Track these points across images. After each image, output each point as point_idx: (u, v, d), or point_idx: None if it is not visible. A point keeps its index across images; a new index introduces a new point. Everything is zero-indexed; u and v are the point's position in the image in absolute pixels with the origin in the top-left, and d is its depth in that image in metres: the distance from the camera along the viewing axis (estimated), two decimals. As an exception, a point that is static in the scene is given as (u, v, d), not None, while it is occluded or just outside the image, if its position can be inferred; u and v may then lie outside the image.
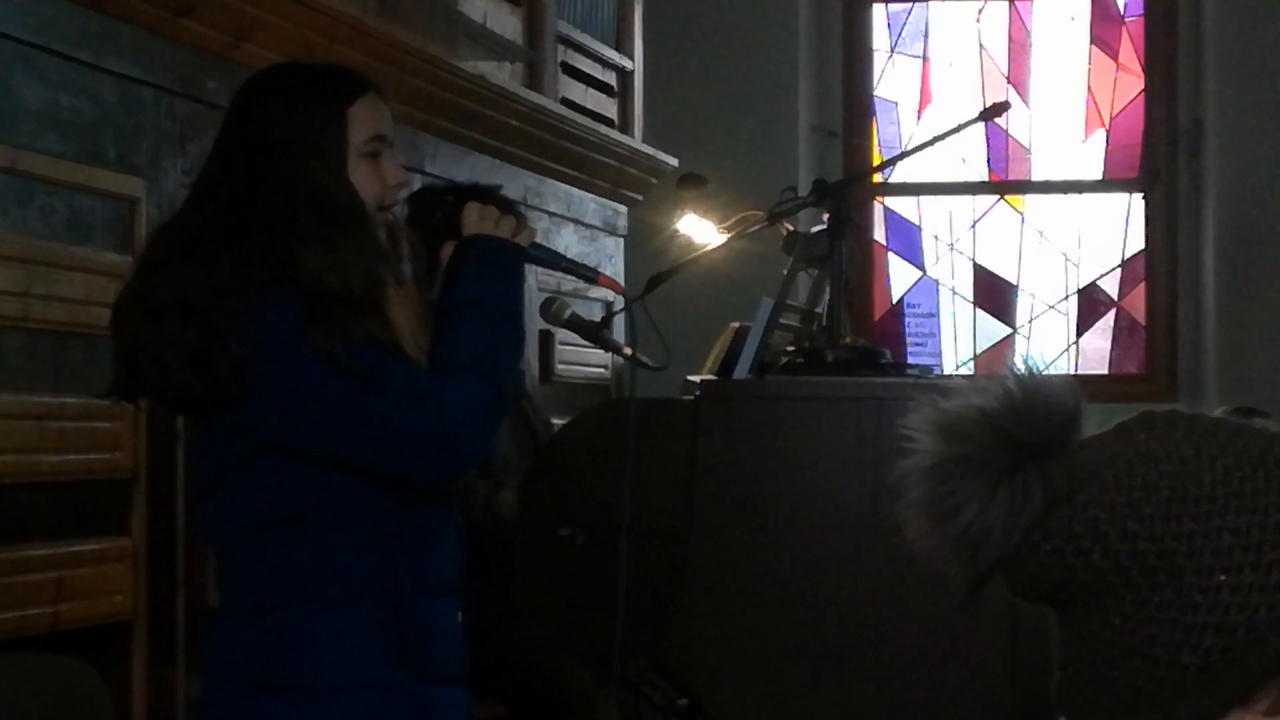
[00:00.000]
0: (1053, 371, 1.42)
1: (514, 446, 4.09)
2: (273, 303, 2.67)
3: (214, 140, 2.88)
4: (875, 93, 7.90)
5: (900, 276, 7.92)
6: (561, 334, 5.16)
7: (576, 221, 5.97)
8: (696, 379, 3.99)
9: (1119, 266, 7.83)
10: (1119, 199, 7.83)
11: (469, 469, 2.86)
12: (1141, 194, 7.78)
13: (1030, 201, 7.88)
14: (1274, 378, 7.17)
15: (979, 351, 7.86)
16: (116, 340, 2.76)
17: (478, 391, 2.73)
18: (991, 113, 4.39)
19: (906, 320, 7.89)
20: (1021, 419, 1.37)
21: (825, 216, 3.97)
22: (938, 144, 4.46)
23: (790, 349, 3.98)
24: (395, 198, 2.90)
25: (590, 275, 3.14)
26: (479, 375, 2.74)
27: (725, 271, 4.76)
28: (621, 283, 5.65)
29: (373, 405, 2.67)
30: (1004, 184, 7.88)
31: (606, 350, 4.34)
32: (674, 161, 6.37)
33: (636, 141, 6.28)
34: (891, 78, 7.92)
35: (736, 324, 4.32)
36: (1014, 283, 7.86)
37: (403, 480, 2.75)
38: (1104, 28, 7.84)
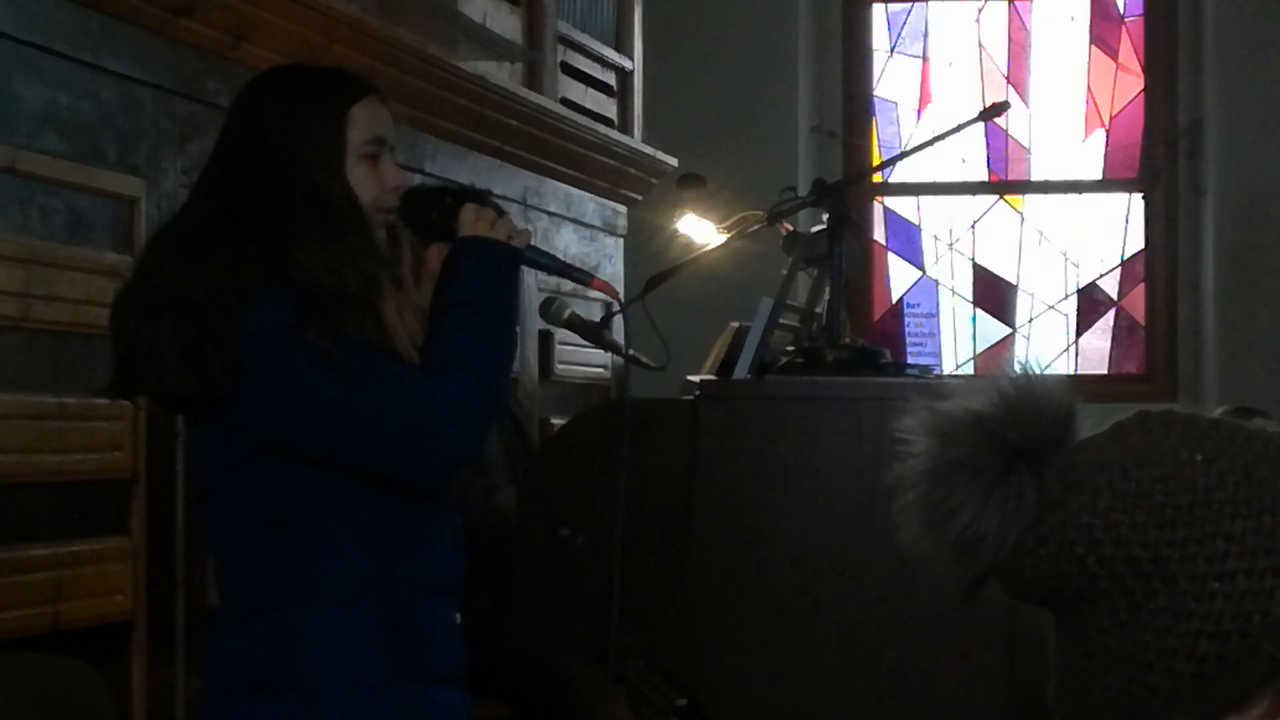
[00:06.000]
0: (1049, 372, 1.41)
1: (501, 449, 4.09)
2: (267, 301, 2.68)
3: (215, 141, 2.89)
4: (875, 93, 7.90)
5: (900, 276, 7.92)
6: (561, 334, 5.16)
7: (576, 221, 5.98)
8: (696, 379, 3.99)
9: (1119, 266, 7.83)
10: (1119, 199, 7.83)
11: (460, 468, 2.86)
12: (1141, 194, 7.78)
13: (1030, 201, 7.88)
14: (1274, 378, 7.17)
15: (979, 351, 7.87)
16: (114, 338, 2.77)
17: (470, 391, 2.74)
18: (991, 113, 4.39)
19: (906, 320, 7.89)
20: (1015, 422, 1.36)
21: (825, 216, 3.98)
22: (938, 144, 4.46)
23: (790, 349, 3.98)
24: (393, 200, 2.90)
25: (584, 279, 3.14)
26: (471, 375, 2.75)
27: (725, 271, 4.76)
28: (620, 283, 5.66)
29: (364, 404, 2.68)
30: (1004, 184, 7.88)
31: (606, 350, 4.34)
32: (674, 161, 6.37)
33: (636, 141, 6.28)
34: (891, 78, 7.92)
35: (736, 324, 4.32)
36: (1014, 283, 7.86)
37: (396, 480, 2.75)
38: (1104, 28, 7.84)
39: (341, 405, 2.68)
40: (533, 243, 2.98)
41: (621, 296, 3.39)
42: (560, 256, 3.30)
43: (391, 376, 2.70)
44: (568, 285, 5.37)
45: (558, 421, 4.74)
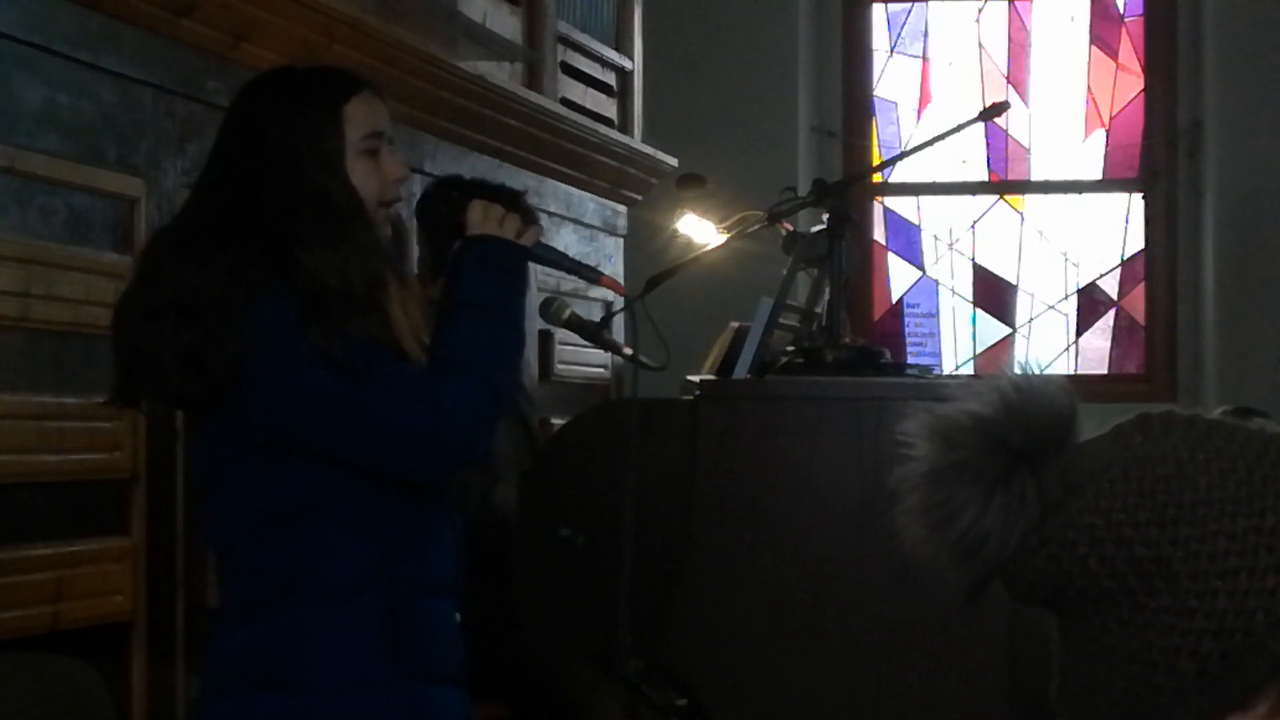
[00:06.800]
0: (1049, 374, 1.41)
1: (510, 445, 4.09)
2: (270, 301, 2.67)
3: (212, 145, 2.89)
4: (875, 93, 7.90)
5: (900, 276, 7.92)
6: (561, 334, 5.16)
7: (576, 221, 5.97)
8: (696, 379, 3.99)
9: (1119, 266, 7.83)
10: (1119, 199, 7.83)
11: (462, 468, 2.86)
12: (1141, 194, 7.78)
13: (1030, 201, 7.88)
14: (1274, 378, 7.17)
15: (979, 351, 7.86)
16: (116, 343, 2.77)
17: (475, 390, 2.73)
18: (991, 113, 4.39)
19: (906, 320, 7.89)
20: (1016, 424, 1.36)
21: (825, 216, 3.98)
22: (938, 144, 4.47)
23: (790, 349, 3.98)
24: (397, 192, 2.90)
25: (592, 276, 3.15)
26: (477, 374, 2.74)
27: (725, 271, 4.76)
28: (621, 283, 5.66)
29: (368, 402, 2.68)
30: (1004, 184, 7.87)
31: (606, 350, 4.34)
32: (674, 161, 6.37)
33: (636, 141, 6.28)
34: (891, 77, 7.91)
35: (736, 324, 4.32)
36: (1014, 283, 7.86)
37: (398, 478, 2.75)
38: (1104, 28, 7.84)
39: (345, 403, 2.68)
40: (540, 240, 2.98)
41: (626, 295, 3.41)
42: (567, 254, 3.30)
43: (396, 375, 2.70)
44: (568, 285, 5.38)
45: (558, 421, 4.74)
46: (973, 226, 7.88)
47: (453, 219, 2.92)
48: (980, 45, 7.88)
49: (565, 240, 5.83)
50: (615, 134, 6.10)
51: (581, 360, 5.83)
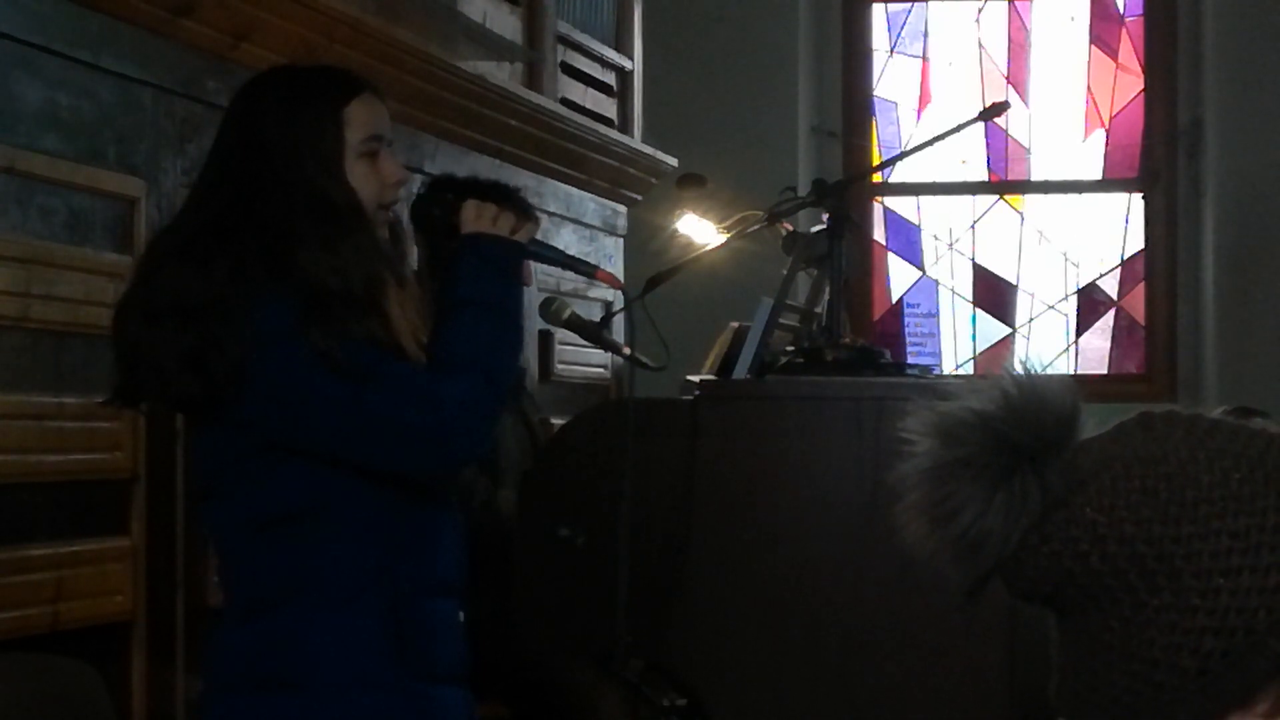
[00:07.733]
0: (1051, 372, 1.41)
1: (514, 445, 4.09)
2: (270, 303, 2.67)
3: (211, 144, 2.89)
4: (875, 93, 7.90)
5: (900, 276, 7.92)
6: (561, 334, 5.16)
7: (576, 221, 5.98)
8: (696, 379, 3.99)
9: (1118, 266, 7.83)
10: (1118, 199, 7.83)
11: (466, 465, 2.86)
12: (1141, 194, 7.78)
13: (1030, 201, 7.88)
14: (1274, 378, 7.17)
15: (979, 351, 7.87)
16: (116, 345, 2.77)
17: (475, 388, 2.74)
18: (991, 113, 4.39)
19: (906, 320, 7.89)
20: (1019, 421, 1.37)
21: (825, 216, 3.98)
22: (937, 144, 4.46)
23: (790, 349, 3.98)
24: (394, 196, 2.90)
25: (589, 270, 3.15)
26: (477, 372, 2.75)
27: (725, 271, 4.77)
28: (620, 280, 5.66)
29: (370, 403, 2.68)
30: (1003, 184, 7.88)
31: (606, 350, 4.34)
32: (673, 161, 6.37)
33: (636, 141, 6.28)
34: (891, 78, 7.92)
35: (736, 324, 4.32)
36: (1014, 283, 7.86)
37: (401, 477, 2.75)
38: (1104, 28, 7.84)
39: (346, 405, 2.68)
40: (537, 237, 2.98)
41: (623, 288, 3.41)
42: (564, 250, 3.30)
43: (398, 375, 2.70)
44: (568, 285, 5.39)
45: (558, 421, 4.74)
46: (973, 226, 7.89)
47: (447, 220, 2.92)
48: (980, 45, 7.88)
49: (565, 240, 5.84)
50: (615, 134, 6.10)
51: (581, 360, 5.83)
